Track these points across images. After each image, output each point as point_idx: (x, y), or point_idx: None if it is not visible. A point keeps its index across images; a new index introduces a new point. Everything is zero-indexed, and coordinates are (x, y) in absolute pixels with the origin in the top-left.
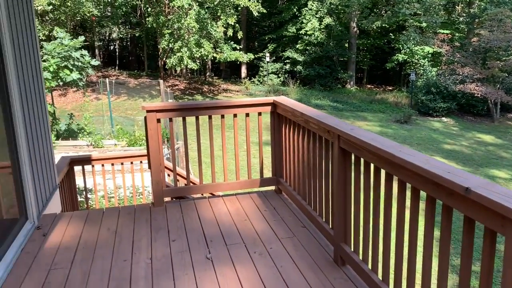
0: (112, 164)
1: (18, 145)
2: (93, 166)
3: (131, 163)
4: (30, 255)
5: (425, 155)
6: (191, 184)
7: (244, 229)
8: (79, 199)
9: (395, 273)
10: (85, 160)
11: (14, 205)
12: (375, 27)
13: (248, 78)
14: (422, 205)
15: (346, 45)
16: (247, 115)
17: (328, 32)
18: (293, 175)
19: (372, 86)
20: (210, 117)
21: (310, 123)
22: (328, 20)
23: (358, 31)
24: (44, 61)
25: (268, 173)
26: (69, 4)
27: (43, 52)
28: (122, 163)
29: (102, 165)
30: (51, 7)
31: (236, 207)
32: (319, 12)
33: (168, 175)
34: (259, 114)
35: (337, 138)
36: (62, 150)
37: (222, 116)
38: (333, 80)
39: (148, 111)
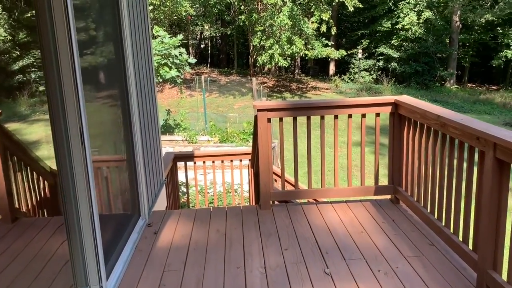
0: (213, 162)
1: (135, 140)
2: (195, 162)
3: (231, 161)
4: (143, 254)
5: None
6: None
7: (362, 243)
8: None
9: None
10: (188, 157)
11: (128, 201)
12: (483, 21)
13: (336, 75)
14: None
15: (447, 40)
16: (363, 115)
17: (427, 27)
18: (416, 184)
19: (473, 85)
20: (322, 117)
21: (448, 127)
22: (427, 14)
23: (460, 25)
24: None
25: (381, 181)
26: (168, 4)
27: None
28: (222, 161)
29: (204, 162)
30: (151, 7)
31: (349, 216)
32: (418, 5)
33: (275, 180)
34: (377, 115)
35: (492, 146)
36: None
37: (336, 117)
38: (431, 78)
39: (259, 110)
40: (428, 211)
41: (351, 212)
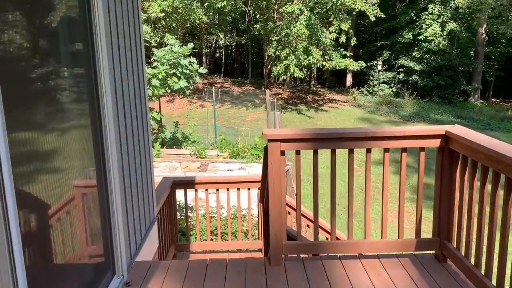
0: (217, 190)
1: (108, 170)
2: (196, 190)
3: (238, 189)
4: None
5: None
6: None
7: None
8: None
9: None
10: (189, 183)
11: (95, 252)
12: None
13: (354, 87)
14: None
15: (472, 53)
16: (404, 149)
17: (450, 39)
18: (475, 244)
19: (497, 100)
20: (351, 151)
21: None
22: (452, 25)
23: (486, 37)
24: (153, 68)
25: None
26: (181, 11)
27: (153, 59)
28: (227, 189)
29: (206, 190)
30: (163, 14)
31: (383, 279)
32: (442, 16)
33: (289, 213)
34: (421, 149)
35: None
36: (166, 158)
37: (368, 150)
38: (454, 92)
39: (270, 140)
40: (494, 284)
41: (385, 273)
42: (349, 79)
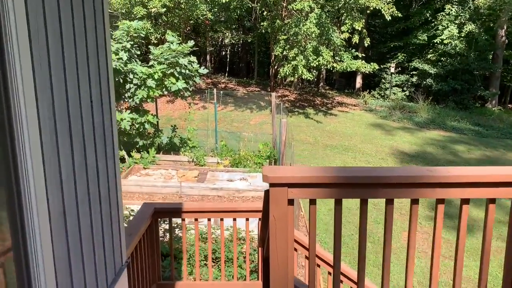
0: (209, 219)
1: (28, 225)
2: (183, 219)
3: (234, 219)
4: None
5: None
6: None
7: None
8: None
9: None
10: (174, 212)
11: None
12: None
13: (364, 90)
14: None
15: (490, 56)
16: (492, 201)
17: (468, 41)
18: None
19: None
20: (390, 202)
21: None
22: (470, 27)
23: (506, 40)
24: (150, 67)
25: None
26: (183, 7)
27: (150, 57)
28: (221, 219)
29: (196, 219)
30: (164, 9)
31: None
32: (459, 17)
33: (296, 249)
34: (491, 200)
35: None
36: (161, 165)
37: (415, 201)
38: (470, 97)
39: (273, 185)
40: None
41: None
42: (358, 81)
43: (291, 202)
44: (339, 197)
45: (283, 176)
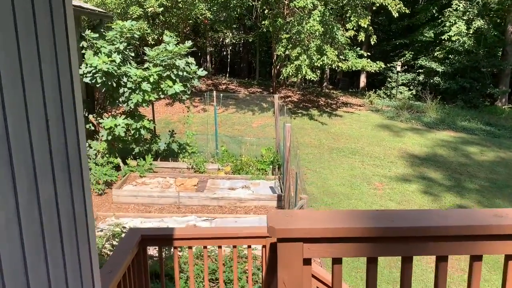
0: (205, 247)
1: None
2: (175, 247)
3: (234, 247)
4: None
5: None
6: None
7: None
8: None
9: None
10: (164, 239)
11: None
12: None
13: (368, 89)
14: None
15: (499, 53)
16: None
17: (476, 37)
18: None
19: None
20: (441, 259)
21: None
22: (479, 23)
23: None
24: (144, 69)
25: None
26: (181, 6)
27: (146, 59)
28: (220, 246)
29: (190, 247)
30: (162, 8)
31: None
32: (468, 13)
33: None
34: None
35: None
36: (159, 172)
37: (476, 258)
38: (479, 95)
39: (280, 240)
40: None
41: None
42: (362, 80)
43: (307, 261)
44: (374, 255)
45: (297, 229)
